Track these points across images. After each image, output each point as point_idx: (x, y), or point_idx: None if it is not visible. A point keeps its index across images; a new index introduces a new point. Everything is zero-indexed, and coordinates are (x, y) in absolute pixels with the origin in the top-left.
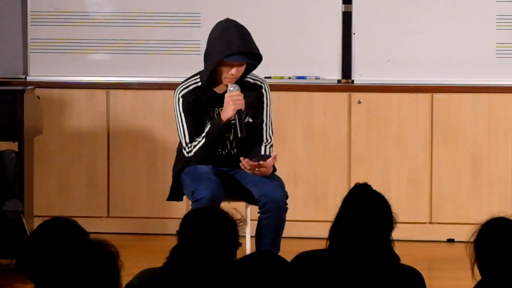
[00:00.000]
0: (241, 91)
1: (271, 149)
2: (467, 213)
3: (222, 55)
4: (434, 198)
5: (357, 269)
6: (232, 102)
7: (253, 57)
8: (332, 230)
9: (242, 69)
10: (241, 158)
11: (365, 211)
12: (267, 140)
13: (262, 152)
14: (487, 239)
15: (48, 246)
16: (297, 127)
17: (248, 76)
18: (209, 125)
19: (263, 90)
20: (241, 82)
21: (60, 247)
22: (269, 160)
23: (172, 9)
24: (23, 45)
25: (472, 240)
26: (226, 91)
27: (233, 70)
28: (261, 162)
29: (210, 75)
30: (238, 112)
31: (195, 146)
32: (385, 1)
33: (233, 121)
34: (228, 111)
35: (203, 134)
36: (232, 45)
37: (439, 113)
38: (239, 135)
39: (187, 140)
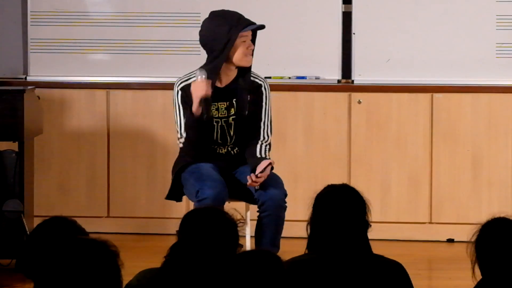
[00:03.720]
0: (241, 89)
1: (267, 147)
2: (467, 213)
3: (237, 31)
4: (434, 198)
5: (340, 269)
6: (194, 92)
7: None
8: (311, 236)
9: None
10: (248, 177)
11: (338, 210)
12: (264, 138)
13: (258, 151)
14: (487, 239)
15: (47, 245)
16: (297, 127)
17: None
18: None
19: (263, 89)
20: (247, 79)
21: (59, 246)
22: (267, 169)
23: (172, 9)
24: (23, 45)
25: (472, 240)
26: (226, 85)
27: (248, 41)
28: (262, 180)
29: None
30: (204, 99)
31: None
32: (385, 1)
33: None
34: (194, 104)
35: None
36: (240, 20)
37: (439, 113)
38: (204, 119)
39: (182, 132)
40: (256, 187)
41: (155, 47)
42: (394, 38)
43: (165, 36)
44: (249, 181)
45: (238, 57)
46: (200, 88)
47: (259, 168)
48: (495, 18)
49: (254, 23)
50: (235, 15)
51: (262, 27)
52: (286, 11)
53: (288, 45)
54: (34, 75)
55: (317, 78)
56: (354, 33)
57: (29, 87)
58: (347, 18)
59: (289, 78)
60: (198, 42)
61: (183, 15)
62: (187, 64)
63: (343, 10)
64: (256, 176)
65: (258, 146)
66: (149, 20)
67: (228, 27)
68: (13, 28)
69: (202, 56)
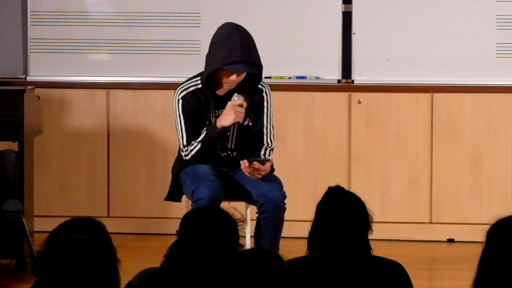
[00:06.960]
0: (242, 94)
1: (271, 152)
2: (467, 213)
3: (223, 63)
4: (434, 198)
5: (340, 270)
6: (234, 112)
7: (256, 65)
8: (311, 236)
9: (242, 75)
10: (241, 162)
11: (340, 213)
12: (268, 144)
13: (261, 154)
14: (499, 236)
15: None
16: (297, 127)
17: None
18: (204, 131)
19: (264, 94)
20: (244, 86)
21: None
22: (267, 164)
23: (172, 9)
24: (23, 45)
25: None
26: (227, 93)
27: (233, 77)
28: (257, 166)
29: (212, 77)
30: (236, 123)
31: (191, 150)
32: (385, 1)
33: (229, 131)
34: (226, 120)
35: (199, 139)
36: (234, 53)
37: (439, 113)
38: (229, 146)
39: (185, 143)
40: (249, 175)
41: (155, 47)
42: (394, 38)
43: (165, 36)
44: (242, 165)
45: (222, 80)
46: (241, 113)
47: (258, 161)
48: (495, 18)
49: (243, 61)
50: (236, 44)
51: (246, 70)
52: (286, 11)
53: (288, 45)
54: (34, 75)
55: (317, 78)
56: (354, 33)
57: (29, 87)
58: (347, 18)
59: (289, 78)
60: (198, 42)
61: (183, 15)
62: (187, 64)
63: (343, 10)
64: (250, 164)
65: (262, 151)
66: (149, 20)
67: (220, 55)
68: (13, 28)
69: (202, 56)
